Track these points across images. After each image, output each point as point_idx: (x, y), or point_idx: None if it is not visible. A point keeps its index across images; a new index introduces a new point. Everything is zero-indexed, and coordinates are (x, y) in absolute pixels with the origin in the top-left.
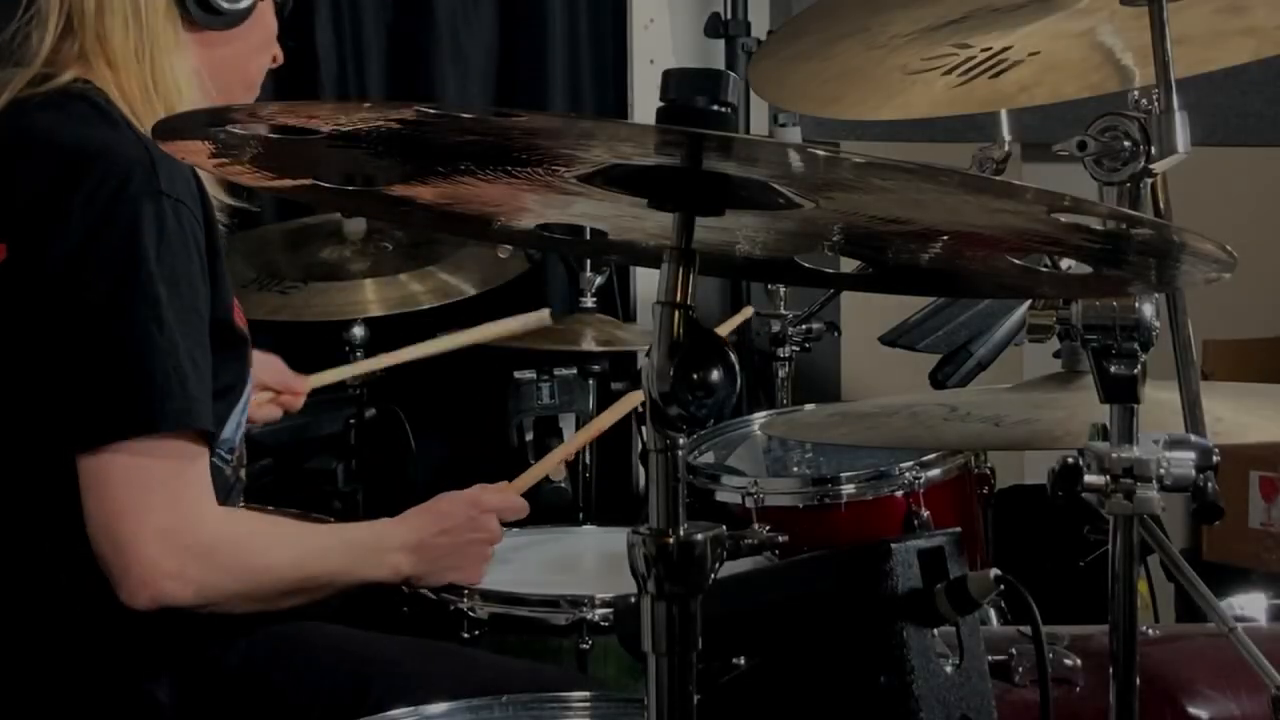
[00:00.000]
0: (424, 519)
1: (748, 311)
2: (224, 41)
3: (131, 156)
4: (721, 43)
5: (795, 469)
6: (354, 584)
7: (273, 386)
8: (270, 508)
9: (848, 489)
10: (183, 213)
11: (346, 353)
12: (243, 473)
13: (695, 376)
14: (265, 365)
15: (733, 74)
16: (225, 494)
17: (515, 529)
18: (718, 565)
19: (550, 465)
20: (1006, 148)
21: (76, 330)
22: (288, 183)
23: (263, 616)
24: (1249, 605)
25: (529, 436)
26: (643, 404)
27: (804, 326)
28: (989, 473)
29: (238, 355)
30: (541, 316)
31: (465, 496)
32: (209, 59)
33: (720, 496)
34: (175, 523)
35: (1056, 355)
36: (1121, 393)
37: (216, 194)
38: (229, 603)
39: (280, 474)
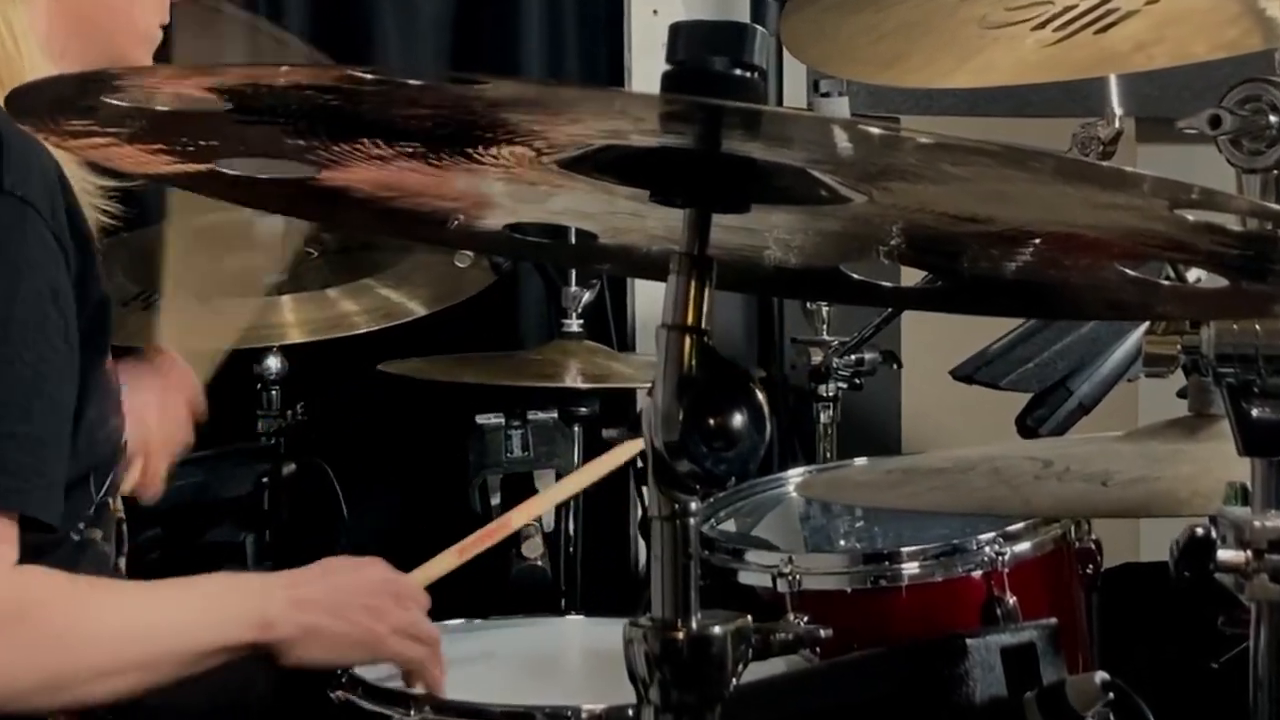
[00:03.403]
0: (310, 570)
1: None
2: None
3: None
4: None
5: (842, 542)
6: (209, 650)
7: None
8: None
9: (910, 568)
10: (29, 216)
11: (258, 390)
12: (122, 562)
13: (712, 422)
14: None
15: (760, 28)
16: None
17: (479, 620)
18: (741, 668)
19: (473, 547)
20: (1117, 124)
21: None
22: (182, 168)
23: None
24: None
25: (495, 500)
26: (642, 456)
27: (853, 357)
28: (1093, 547)
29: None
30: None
31: (379, 566)
32: (66, 8)
33: (745, 578)
34: None
35: (1181, 395)
36: (1266, 443)
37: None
38: (38, 695)
39: (171, 549)
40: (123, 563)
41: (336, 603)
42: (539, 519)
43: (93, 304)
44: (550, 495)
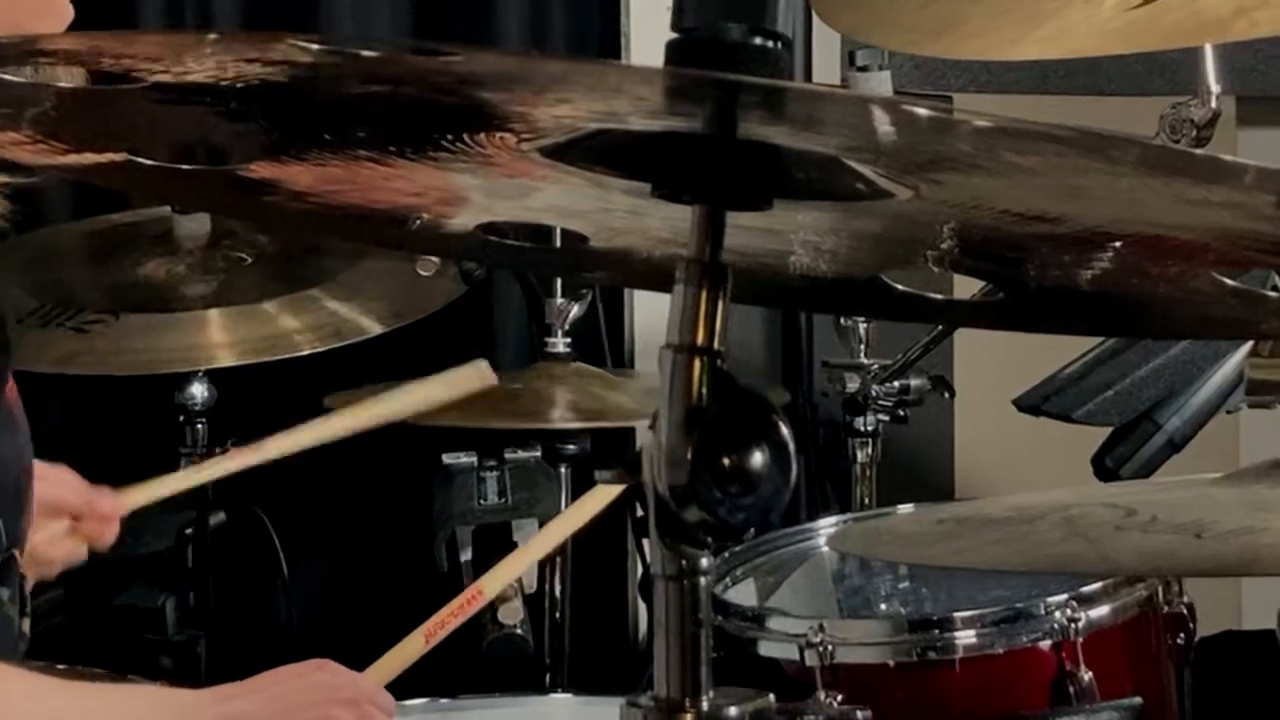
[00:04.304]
0: (248, 682)
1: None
2: None
3: None
4: None
5: (883, 606)
6: None
7: (69, 510)
8: (60, 666)
9: (965, 637)
10: None
11: (181, 424)
12: (26, 624)
13: (726, 461)
14: (53, 480)
15: None
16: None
17: (445, 700)
18: None
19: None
20: (1213, 104)
21: None
22: (89, 158)
23: None
24: None
25: (466, 556)
26: (639, 497)
27: (897, 384)
28: (1185, 611)
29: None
30: (480, 373)
31: (329, 669)
32: None
33: (767, 649)
34: None
35: None
36: None
37: None
38: None
39: (77, 615)
40: (26, 625)
41: (278, 717)
42: (519, 579)
43: None
44: (531, 551)
